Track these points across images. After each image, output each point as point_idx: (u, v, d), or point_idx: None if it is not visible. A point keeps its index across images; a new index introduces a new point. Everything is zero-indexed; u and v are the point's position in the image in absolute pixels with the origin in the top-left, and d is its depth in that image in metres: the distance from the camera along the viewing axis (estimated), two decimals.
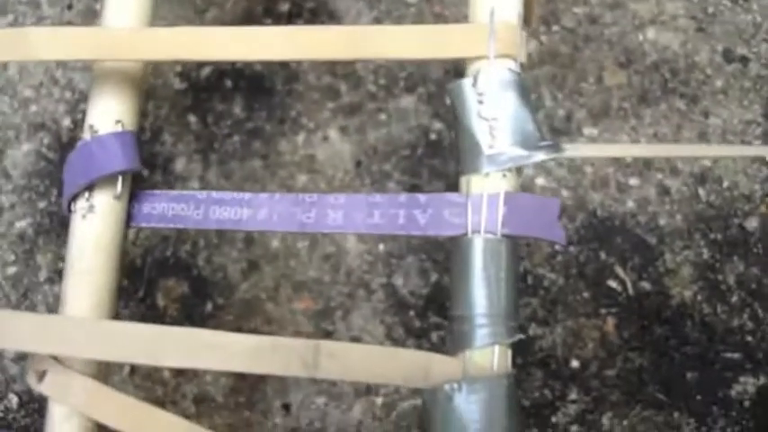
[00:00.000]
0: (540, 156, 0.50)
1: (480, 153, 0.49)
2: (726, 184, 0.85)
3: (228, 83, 0.88)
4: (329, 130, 0.86)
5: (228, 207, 0.52)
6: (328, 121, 0.87)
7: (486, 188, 0.49)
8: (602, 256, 0.83)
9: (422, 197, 0.50)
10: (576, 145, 0.54)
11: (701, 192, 0.84)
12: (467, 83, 0.50)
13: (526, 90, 0.50)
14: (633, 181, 0.85)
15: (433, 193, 0.50)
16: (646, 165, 0.85)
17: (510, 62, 0.50)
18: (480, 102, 0.49)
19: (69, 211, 0.53)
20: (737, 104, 0.86)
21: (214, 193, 0.52)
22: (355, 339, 0.83)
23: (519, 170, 0.50)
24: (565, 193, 0.84)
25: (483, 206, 0.48)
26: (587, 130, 0.86)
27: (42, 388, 0.50)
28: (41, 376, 0.50)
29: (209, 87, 0.88)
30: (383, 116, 0.86)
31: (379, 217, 0.50)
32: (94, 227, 0.52)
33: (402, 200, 0.50)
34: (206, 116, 0.87)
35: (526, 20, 0.59)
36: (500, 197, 0.48)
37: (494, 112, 0.49)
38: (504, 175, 0.49)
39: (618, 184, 0.85)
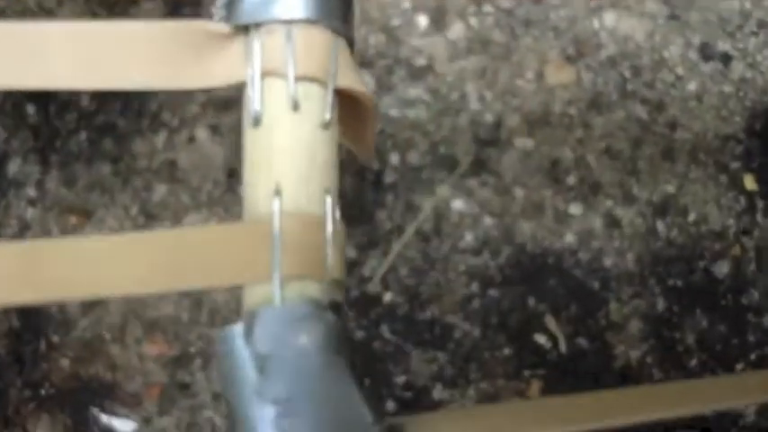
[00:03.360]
0: None
1: None
2: (692, 216, 0.65)
3: None
4: (197, 128, 0.67)
5: None
6: (196, 117, 0.67)
7: None
8: (531, 302, 0.64)
9: None
10: (432, 419, 0.33)
11: (660, 226, 0.65)
12: (236, 333, 0.29)
13: (343, 338, 0.30)
14: (574, 208, 0.65)
15: None
16: (592, 188, 0.65)
17: (311, 287, 0.30)
18: (260, 369, 0.29)
19: None
20: (714, 115, 0.66)
21: None
22: (217, 396, 0.65)
23: None
24: (488, 220, 0.65)
25: None
26: (520, 141, 0.66)
27: None
28: None
29: None
30: None
31: None
32: None
33: None
34: (47, 107, 0.68)
35: (362, 157, 0.38)
36: None
37: (282, 385, 0.29)
38: None
39: (555, 211, 0.65)
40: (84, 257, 0.32)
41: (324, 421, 0.29)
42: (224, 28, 0.32)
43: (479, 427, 0.33)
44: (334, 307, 0.31)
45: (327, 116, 0.32)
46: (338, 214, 0.32)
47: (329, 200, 0.32)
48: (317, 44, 0.32)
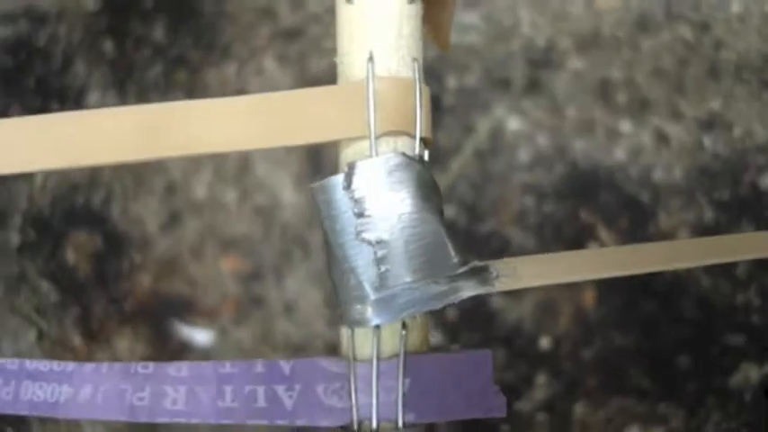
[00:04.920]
0: (456, 295, 0.32)
1: (364, 296, 0.32)
2: (737, 131, 0.68)
3: (149, 2, 0.72)
4: (265, 58, 0.71)
5: (45, 383, 0.37)
6: (264, 48, 0.71)
7: (379, 350, 0.33)
8: (583, 214, 0.67)
9: (286, 366, 0.34)
10: (520, 261, 0.34)
11: (707, 141, 0.68)
12: (336, 183, 0.32)
13: (432, 186, 0.33)
14: (625, 125, 0.68)
15: (303, 360, 0.34)
16: (641, 106, 0.68)
17: (404, 141, 0.33)
18: (359, 214, 0.32)
19: None
20: (756, 35, 0.69)
21: (28, 363, 0.38)
22: (287, 307, 0.69)
23: (426, 318, 0.33)
24: (542, 138, 0.68)
25: (374, 380, 0.32)
26: (572, 63, 0.69)
27: None
28: None
29: (127, 8, 0.72)
30: (328, 42, 0.70)
31: (232, 397, 0.35)
32: None
33: (260, 370, 0.34)
34: (124, 42, 0.72)
35: (439, 44, 0.41)
36: (399, 365, 0.32)
37: (380, 229, 0.32)
38: (405, 327, 0.33)
39: (606, 129, 0.68)
40: (203, 118, 0.35)
41: (415, 259, 0.32)
42: None
43: (560, 270, 0.36)
44: (422, 161, 0.34)
45: None
46: (423, 80, 0.35)
47: (416, 65, 0.34)
48: None
